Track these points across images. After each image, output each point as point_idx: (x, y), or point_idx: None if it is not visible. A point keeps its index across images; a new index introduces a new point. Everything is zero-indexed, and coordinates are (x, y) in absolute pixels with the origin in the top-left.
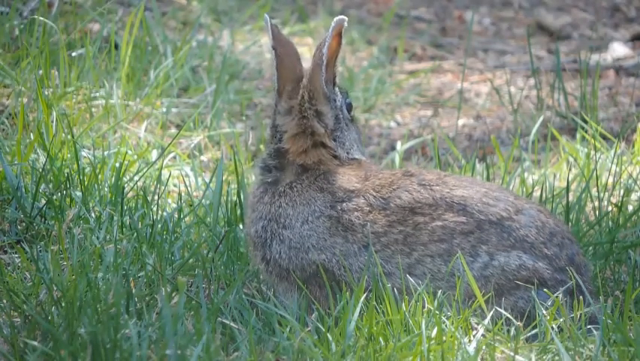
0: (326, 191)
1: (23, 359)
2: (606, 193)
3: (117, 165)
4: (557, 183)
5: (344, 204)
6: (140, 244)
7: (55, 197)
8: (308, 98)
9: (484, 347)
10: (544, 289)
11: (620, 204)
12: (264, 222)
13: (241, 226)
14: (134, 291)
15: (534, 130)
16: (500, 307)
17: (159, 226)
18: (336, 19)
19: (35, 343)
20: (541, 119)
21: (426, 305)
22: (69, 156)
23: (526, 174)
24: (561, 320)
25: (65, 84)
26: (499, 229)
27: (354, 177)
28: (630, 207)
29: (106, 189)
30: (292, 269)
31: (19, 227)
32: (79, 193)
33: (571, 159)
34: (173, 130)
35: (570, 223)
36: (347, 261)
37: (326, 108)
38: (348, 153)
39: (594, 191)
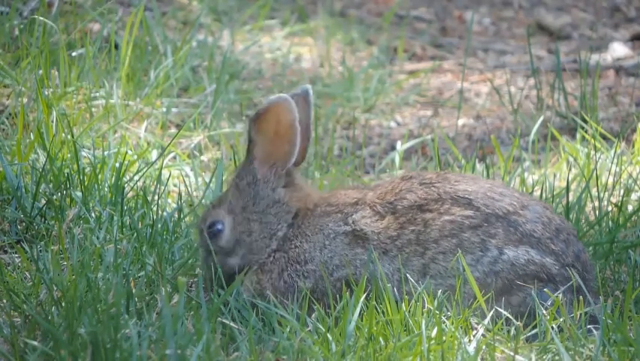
0: (332, 213)
1: (23, 359)
2: (606, 193)
3: (117, 165)
4: (557, 183)
5: (354, 215)
6: (140, 244)
7: (55, 197)
8: None
9: (484, 347)
10: (545, 289)
11: (620, 204)
12: (288, 270)
13: None
14: (134, 291)
15: (534, 130)
16: (509, 304)
17: (159, 225)
18: (273, 98)
19: (35, 343)
20: (541, 119)
21: (426, 305)
22: (69, 156)
23: (526, 174)
24: (561, 319)
25: (65, 84)
26: (506, 224)
27: (351, 192)
28: (630, 207)
29: (106, 189)
30: (322, 293)
31: (19, 227)
32: (79, 193)
33: (571, 159)
34: (173, 130)
35: (570, 223)
36: (369, 270)
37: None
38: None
39: (594, 191)
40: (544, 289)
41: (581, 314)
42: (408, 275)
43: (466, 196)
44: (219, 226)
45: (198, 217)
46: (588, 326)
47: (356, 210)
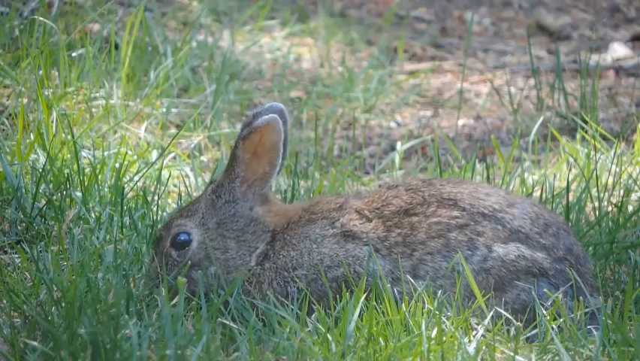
0: (318, 220)
1: (23, 359)
2: (606, 193)
3: (117, 165)
4: (557, 183)
5: (341, 219)
6: (140, 244)
7: (55, 197)
8: None
9: (484, 347)
10: (545, 289)
11: (620, 204)
12: (277, 279)
13: None
14: (134, 292)
15: (534, 130)
16: (503, 301)
17: (159, 226)
18: (264, 118)
19: (35, 343)
20: (541, 119)
21: (426, 305)
22: (69, 156)
23: (526, 175)
24: (561, 320)
25: (65, 84)
26: (493, 221)
27: (332, 199)
28: (630, 208)
29: (106, 189)
30: (319, 295)
31: (19, 227)
32: (79, 194)
33: (571, 160)
34: (173, 130)
35: (570, 223)
36: (361, 266)
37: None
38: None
39: (594, 191)
40: (544, 290)
41: (580, 314)
42: (401, 276)
43: (452, 197)
44: (183, 237)
45: (161, 223)
46: (588, 327)
47: (342, 215)
